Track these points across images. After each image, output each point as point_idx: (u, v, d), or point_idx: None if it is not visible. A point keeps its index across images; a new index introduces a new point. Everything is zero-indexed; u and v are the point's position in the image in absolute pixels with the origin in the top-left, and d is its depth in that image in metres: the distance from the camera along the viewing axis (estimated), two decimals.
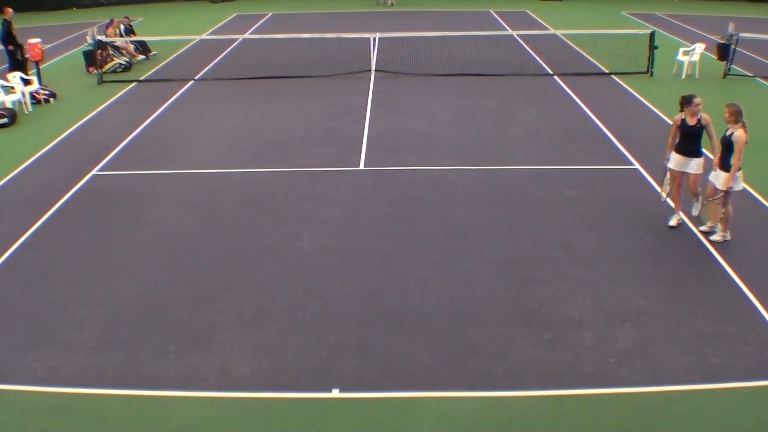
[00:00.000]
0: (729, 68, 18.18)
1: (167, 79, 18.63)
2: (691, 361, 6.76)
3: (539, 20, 28.36)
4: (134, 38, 21.32)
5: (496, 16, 29.76)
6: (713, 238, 9.14)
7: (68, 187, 11.20)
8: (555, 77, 18.28)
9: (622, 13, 30.50)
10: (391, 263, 8.70)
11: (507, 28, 26.48)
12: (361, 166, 11.98)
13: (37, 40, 17.57)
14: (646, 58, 18.49)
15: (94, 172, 11.93)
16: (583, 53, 21.17)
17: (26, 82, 16.32)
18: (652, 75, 18.28)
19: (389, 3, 34.35)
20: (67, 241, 9.43)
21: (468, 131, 13.83)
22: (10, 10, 17.59)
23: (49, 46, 21.72)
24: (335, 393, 6.41)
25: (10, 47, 17.44)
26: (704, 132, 9.12)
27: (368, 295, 8.01)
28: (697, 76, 18.10)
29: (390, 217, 10.02)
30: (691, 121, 9.16)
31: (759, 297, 7.79)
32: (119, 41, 20.44)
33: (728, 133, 8.75)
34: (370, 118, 14.74)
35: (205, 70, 19.67)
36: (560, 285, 8.11)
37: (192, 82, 18.39)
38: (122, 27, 21.20)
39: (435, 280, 8.28)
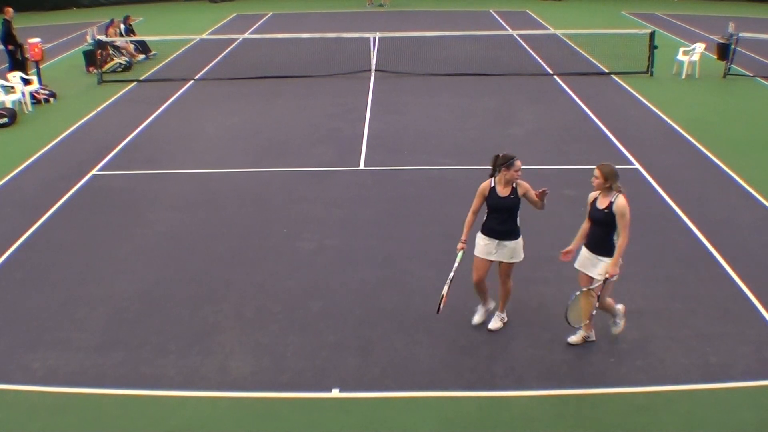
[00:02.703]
0: (729, 68, 18.19)
1: (167, 79, 18.63)
2: (691, 361, 6.76)
3: (539, 20, 28.36)
4: (134, 38, 21.32)
5: (496, 16, 29.76)
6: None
7: (68, 187, 11.19)
8: (555, 77, 18.27)
9: (622, 12, 30.51)
10: (391, 263, 8.70)
11: (507, 27, 26.48)
12: (361, 166, 11.98)
13: (37, 39, 17.57)
14: (646, 58, 18.49)
15: (94, 172, 11.92)
16: (583, 53, 21.17)
17: (26, 82, 16.31)
18: (652, 75, 18.29)
19: (381, 3, 33.96)
20: (67, 241, 9.42)
21: (468, 131, 13.83)
22: (10, 9, 17.59)
23: (49, 46, 21.70)
24: (335, 393, 6.40)
25: (10, 47, 17.44)
26: (518, 205, 6.94)
27: (368, 295, 8.01)
28: (696, 76, 18.11)
29: (390, 217, 10.01)
30: (503, 192, 6.83)
31: (759, 297, 7.79)
32: (119, 41, 20.45)
33: (601, 206, 6.59)
34: (370, 118, 14.74)
35: (205, 70, 19.66)
36: (560, 285, 8.10)
37: (192, 82, 18.39)
38: (122, 27, 21.19)
39: (435, 280, 8.25)
